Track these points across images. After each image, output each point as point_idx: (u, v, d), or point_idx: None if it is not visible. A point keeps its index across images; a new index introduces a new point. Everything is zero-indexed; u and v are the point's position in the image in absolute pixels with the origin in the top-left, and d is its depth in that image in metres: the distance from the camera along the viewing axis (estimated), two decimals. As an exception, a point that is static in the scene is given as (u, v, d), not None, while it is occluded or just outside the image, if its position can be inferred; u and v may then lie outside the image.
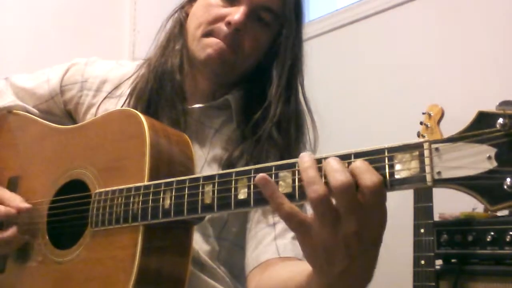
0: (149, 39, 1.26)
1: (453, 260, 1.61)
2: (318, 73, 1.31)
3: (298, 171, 0.75)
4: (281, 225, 1.10)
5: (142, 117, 0.99)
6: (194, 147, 1.09)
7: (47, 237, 1.06)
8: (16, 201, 1.08)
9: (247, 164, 1.10)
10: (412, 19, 2.26)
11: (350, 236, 0.70)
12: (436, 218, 1.65)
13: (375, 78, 2.34)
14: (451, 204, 1.43)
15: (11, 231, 1.06)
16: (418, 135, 1.70)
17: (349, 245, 0.71)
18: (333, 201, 0.71)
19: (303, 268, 0.85)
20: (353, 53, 2.45)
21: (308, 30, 1.29)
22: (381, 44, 2.35)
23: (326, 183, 0.70)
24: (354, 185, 0.69)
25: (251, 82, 1.20)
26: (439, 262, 1.62)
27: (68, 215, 1.04)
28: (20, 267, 1.09)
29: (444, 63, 2.10)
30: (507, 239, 1.48)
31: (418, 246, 1.60)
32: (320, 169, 0.72)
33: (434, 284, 1.56)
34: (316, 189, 0.70)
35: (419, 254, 1.59)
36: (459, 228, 1.58)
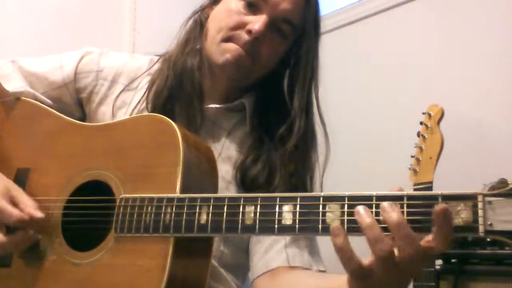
0: (149, 39, 1.27)
1: (453, 260, 1.60)
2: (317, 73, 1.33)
3: (347, 205, 0.79)
4: None
5: (175, 125, 0.98)
6: (208, 145, 1.11)
7: (61, 237, 1.02)
8: (31, 207, 1.01)
9: (262, 169, 1.14)
10: (412, 19, 2.26)
11: (408, 274, 0.79)
12: (436, 218, 1.64)
13: (375, 78, 2.33)
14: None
15: (20, 235, 1.00)
16: (418, 135, 1.70)
17: (406, 278, 0.80)
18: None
19: (332, 284, 0.94)
20: (352, 53, 2.45)
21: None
22: (381, 44, 2.34)
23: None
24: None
25: (263, 88, 1.24)
26: (439, 262, 1.62)
27: (88, 216, 1.01)
28: (28, 264, 1.04)
29: (444, 63, 2.10)
30: (507, 239, 1.49)
31: (418, 246, 1.60)
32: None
33: (434, 284, 1.55)
34: (385, 248, 0.75)
35: (419, 254, 1.59)
36: (459, 228, 1.58)
